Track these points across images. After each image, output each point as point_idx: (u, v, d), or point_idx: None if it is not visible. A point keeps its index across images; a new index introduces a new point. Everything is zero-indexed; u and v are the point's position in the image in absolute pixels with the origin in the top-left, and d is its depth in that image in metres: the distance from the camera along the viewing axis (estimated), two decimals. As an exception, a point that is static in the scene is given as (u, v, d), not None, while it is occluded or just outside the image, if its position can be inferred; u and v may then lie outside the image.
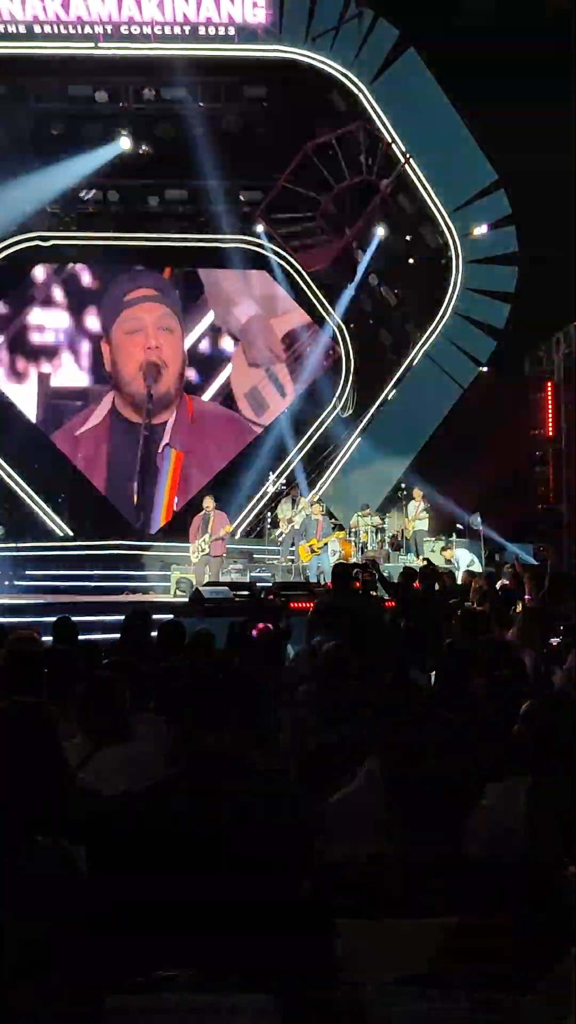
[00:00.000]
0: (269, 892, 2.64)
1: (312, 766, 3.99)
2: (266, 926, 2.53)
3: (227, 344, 22.28)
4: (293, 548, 18.38)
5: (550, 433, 21.03)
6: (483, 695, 4.39)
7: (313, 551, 17.66)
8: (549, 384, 21.06)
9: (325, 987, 2.03)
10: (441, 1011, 1.97)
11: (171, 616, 9.20)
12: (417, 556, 18.55)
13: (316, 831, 3.14)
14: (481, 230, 20.00)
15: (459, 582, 13.42)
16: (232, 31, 19.00)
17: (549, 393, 21.06)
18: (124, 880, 2.90)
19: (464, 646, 5.65)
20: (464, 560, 18.76)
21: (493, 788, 3.42)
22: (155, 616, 8.81)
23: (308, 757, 4.11)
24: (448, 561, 18.22)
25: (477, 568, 17.94)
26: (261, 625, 9.16)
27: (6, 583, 17.47)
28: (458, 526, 19.81)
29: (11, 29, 18.75)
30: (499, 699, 4.11)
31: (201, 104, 19.61)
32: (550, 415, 21.05)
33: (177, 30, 18.94)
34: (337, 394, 22.67)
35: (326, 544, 17.84)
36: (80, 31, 18.82)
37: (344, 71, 19.44)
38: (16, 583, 17.69)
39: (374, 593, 11.38)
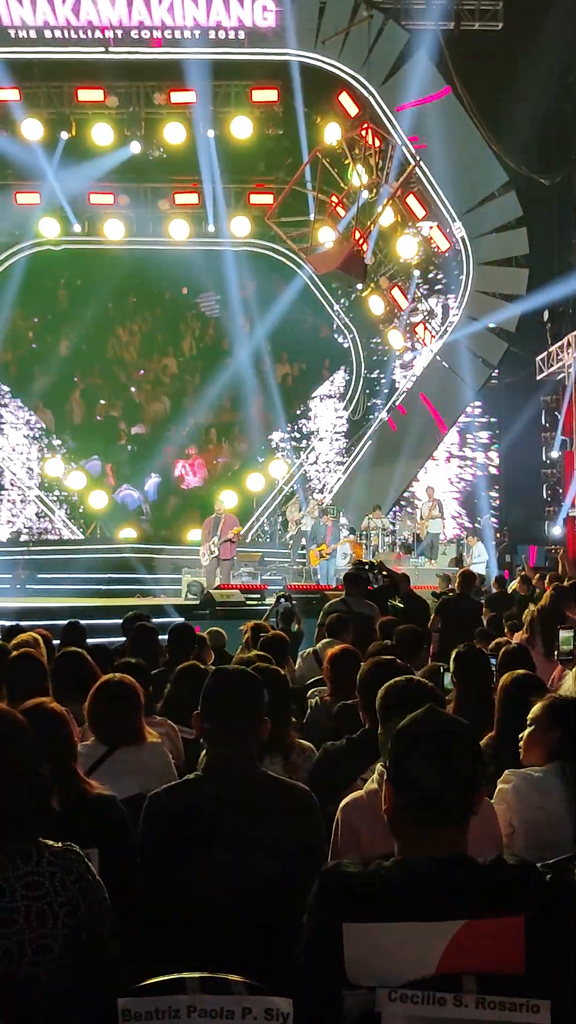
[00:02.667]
0: (281, 895, 2.64)
1: (323, 768, 4.00)
2: (277, 929, 2.53)
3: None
4: (303, 551, 18.42)
5: (562, 435, 21.00)
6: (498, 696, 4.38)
7: (322, 556, 17.70)
8: (562, 388, 21.03)
9: (336, 990, 2.03)
10: (451, 1014, 1.97)
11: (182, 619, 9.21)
12: (430, 559, 18.55)
13: (328, 834, 3.14)
14: None
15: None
16: (242, 34, 19.02)
17: (561, 395, 21.02)
18: (136, 882, 2.91)
19: (480, 647, 5.65)
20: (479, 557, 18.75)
21: (518, 774, 3.43)
22: (166, 620, 8.85)
23: (319, 760, 4.11)
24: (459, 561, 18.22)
25: (482, 570, 17.94)
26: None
27: (18, 586, 17.54)
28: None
29: (22, 34, 18.82)
30: (512, 701, 4.10)
31: (211, 107, 19.65)
32: (562, 417, 21.00)
33: (187, 34, 18.98)
34: (348, 396, 22.71)
35: (335, 550, 17.89)
36: (90, 35, 18.88)
37: (354, 74, 19.44)
38: (28, 586, 17.76)
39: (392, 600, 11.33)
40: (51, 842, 2.36)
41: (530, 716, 3.59)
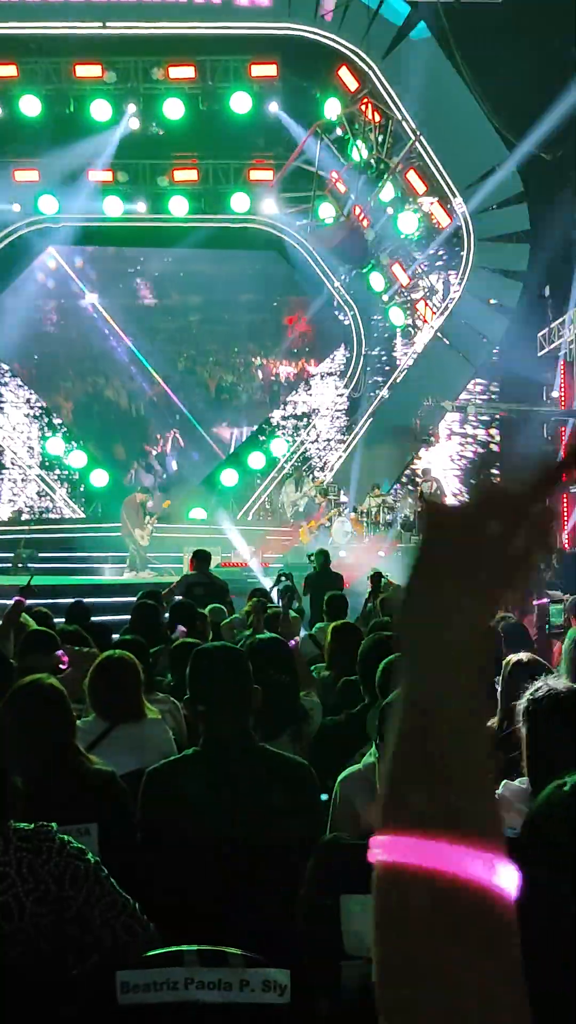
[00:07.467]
0: (279, 869, 2.65)
1: (321, 744, 4.01)
2: (276, 902, 2.55)
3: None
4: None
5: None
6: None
7: (311, 532, 17.81)
8: (562, 363, 20.93)
9: (334, 961, 2.05)
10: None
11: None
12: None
13: (325, 809, 3.16)
14: None
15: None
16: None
17: (561, 371, 20.91)
18: (136, 856, 2.92)
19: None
20: None
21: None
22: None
23: (318, 735, 4.12)
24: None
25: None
26: None
27: (19, 565, 17.56)
28: None
29: (19, 9, 18.65)
30: (517, 689, 4.04)
31: (210, 82, 19.50)
32: (562, 393, 20.92)
33: (186, 8, 18.79)
34: (349, 374, 22.65)
35: (321, 526, 17.98)
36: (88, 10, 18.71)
37: (353, 48, 19.26)
38: (30, 565, 17.78)
39: None
40: (21, 825, 2.28)
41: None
